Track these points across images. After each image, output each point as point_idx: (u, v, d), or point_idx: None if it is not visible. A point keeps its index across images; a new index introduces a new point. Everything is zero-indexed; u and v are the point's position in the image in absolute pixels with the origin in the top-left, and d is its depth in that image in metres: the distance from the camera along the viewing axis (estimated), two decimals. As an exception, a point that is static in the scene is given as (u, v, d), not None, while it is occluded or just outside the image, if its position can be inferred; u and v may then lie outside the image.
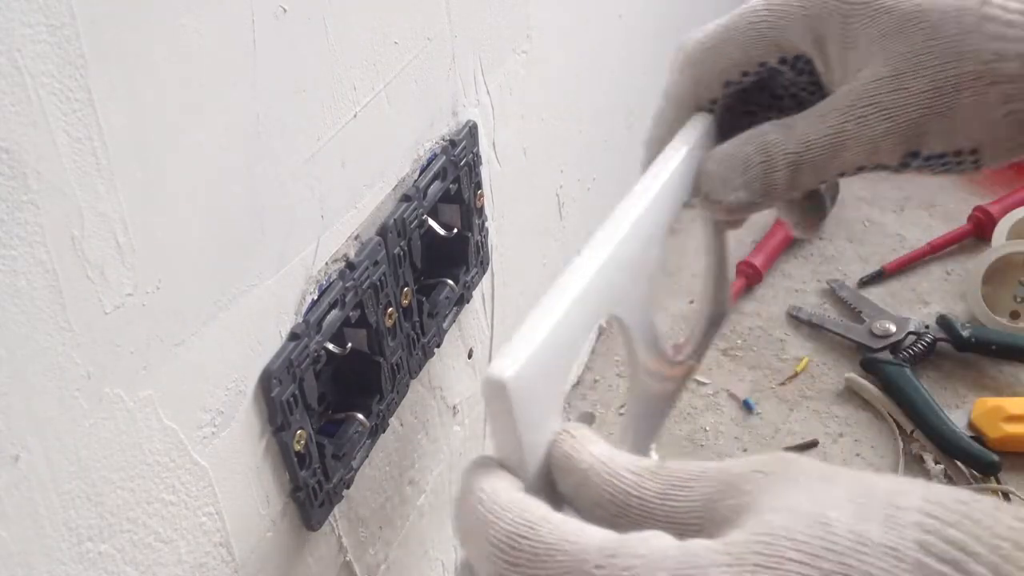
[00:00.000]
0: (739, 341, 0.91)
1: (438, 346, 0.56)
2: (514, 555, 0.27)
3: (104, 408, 0.33)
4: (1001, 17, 0.36)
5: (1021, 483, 0.75)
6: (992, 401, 0.79)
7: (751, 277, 0.96)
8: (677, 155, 0.39)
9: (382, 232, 0.48)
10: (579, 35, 0.73)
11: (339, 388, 0.50)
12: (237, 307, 0.39)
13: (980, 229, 1.00)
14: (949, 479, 0.75)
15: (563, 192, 0.76)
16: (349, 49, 0.44)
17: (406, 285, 0.51)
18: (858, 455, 0.79)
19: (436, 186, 0.53)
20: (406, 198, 0.50)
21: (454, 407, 0.63)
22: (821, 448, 0.80)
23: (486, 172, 0.60)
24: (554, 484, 0.31)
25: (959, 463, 0.76)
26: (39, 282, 0.29)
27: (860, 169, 0.38)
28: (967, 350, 0.86)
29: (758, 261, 0.96)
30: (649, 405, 0.41)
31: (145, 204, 0.33)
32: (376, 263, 0.47)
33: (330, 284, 0.45)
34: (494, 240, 0.62)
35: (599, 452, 0.30)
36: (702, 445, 0.81)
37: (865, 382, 0.84)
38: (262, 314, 0.41)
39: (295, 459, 0.43)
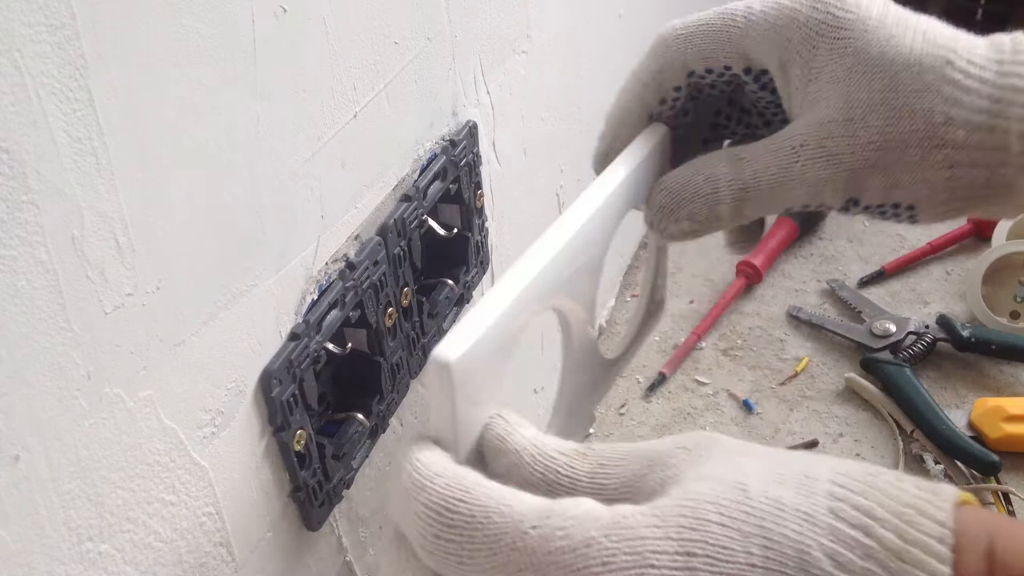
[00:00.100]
0: (739, 341, 0.91)
1: (438, 346, 0.56)
2: (449, 517, 0.28)
3: (104, 408, 0.33)
4: (960, 82, 0.36)
5: (1021, 483, 0.75)
6: (992, 401, 0.79)
7: (751, 277, 0.96)
8: (630, 163, 0.40)
9: (382, 232, 0.48)
10: (579, 35, 0.73)
11: (339, 388, 0.50)
12: (237, 307, 0.39)
13: (980, 229, 1.00)
14: (949, 479, 0.75)
15: (563, 192, 0.76)
16: (349, 49, 0.44)
17: (406, 285, 0.51)
18: (858, 455, 0.79)
19: (436, 186, 0.53)
20: (406, 198, 0.50)
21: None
22: (821, 448, 0.80)
23: (486, 172, 0.60)
24: (485, 465, 0.32)
25: (959, 463, 0.76)
26: (39, 282, 0.29)
27: (806, 206, 0.39)
28: (967, 350, 0.86)
29: (758, 261, 0.96)
30: (578, 398, 0.42)
31: (145, 204, 0.33)
32: (376, 263, 0.47)
33: (330, 284, 0.45)
34: (494, 240, 0.62)
35: (531, 435, 0.32)
36: (702, 445, 0.81)
37: (865, 382, 0.84)
38: (262, 314, 0.41)
39: (295, 459, 0.43)
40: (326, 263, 0.45)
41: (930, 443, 0.78)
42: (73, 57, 0.29)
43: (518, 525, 0.27)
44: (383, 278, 0.48)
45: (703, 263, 0.99)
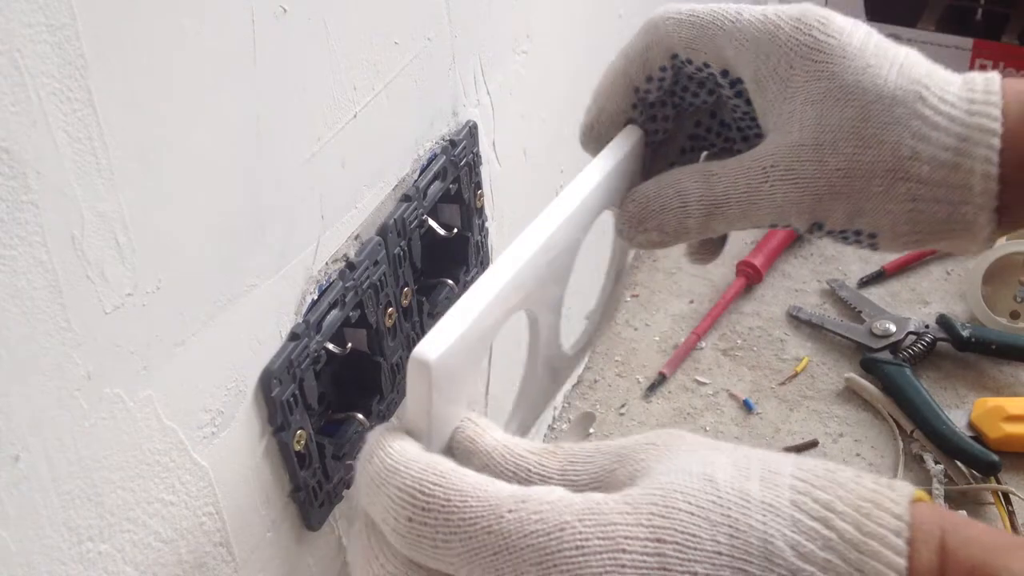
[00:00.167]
0: (739, 341, 0.91)
1: (438, 346, 0.56)
2: (425, 500, 0.29)
3: (104, 408, 0.33)
4: (929, 118, 0.36)
5: (1021, 483, 0.75)
6: (992, 401, 0.79)
7: (751, 277, 0.96)
8: (604, 167, 0.41)
9: (382, 232, 0.48)
10: (579, 35, 0.73)
11: (339, 388, 0.50)
12: (237, 307, 0.39)
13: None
14: (949, 479, 0.75)
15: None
16: (349, 49, 0.44)
17: (406, 285, 0.51)
18: (858, 455, 0.79)
19: (436, 186, 0.53)
20: (406, 198, 0.50)
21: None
22: (821, 448, 0.80)
23: (486, 172, 0.60)
24: None
25: (959, 463, 0.76)
26: (39, 282, 0.29)
27: (772, 225, 0.40)
28: (967, 350, 0.86)
29: (758, 261, 0.96)
30: (535, 396, 0.43)
31: (145, 204, 0.33)
32: (376, 263, 0.47)
33: (330, 284, 0.45)
34: (494, 240, 0.62)
35: (500, 436, 0.33)
36: (702, 445, 0.81)
37: (865, 382, 0.84)
38: (262, 314, 0.41)
39: (295, 459, 0.43)
40: (326, 263, 0.45)
41: (930, 443, 0.78)
42: (73, 57, 0.29)
43: (495, 509, 0.28)
44: (383, 278, 0.48)
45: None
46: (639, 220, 0.40)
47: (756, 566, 0.27)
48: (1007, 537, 0.28)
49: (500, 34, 0.60)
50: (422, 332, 0.54)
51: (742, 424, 0.82)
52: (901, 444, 0.79)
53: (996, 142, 0.35)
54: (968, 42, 1.13)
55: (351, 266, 0.46)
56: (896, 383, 0.82)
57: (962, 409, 0.81)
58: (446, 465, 0.30)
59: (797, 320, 0.92)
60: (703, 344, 0.90)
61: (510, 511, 0.28)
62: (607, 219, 0.42)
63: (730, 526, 0.27)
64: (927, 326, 0.88)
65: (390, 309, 0.49)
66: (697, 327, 0.91)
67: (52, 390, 0.30)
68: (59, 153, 0.29)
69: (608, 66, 0.44)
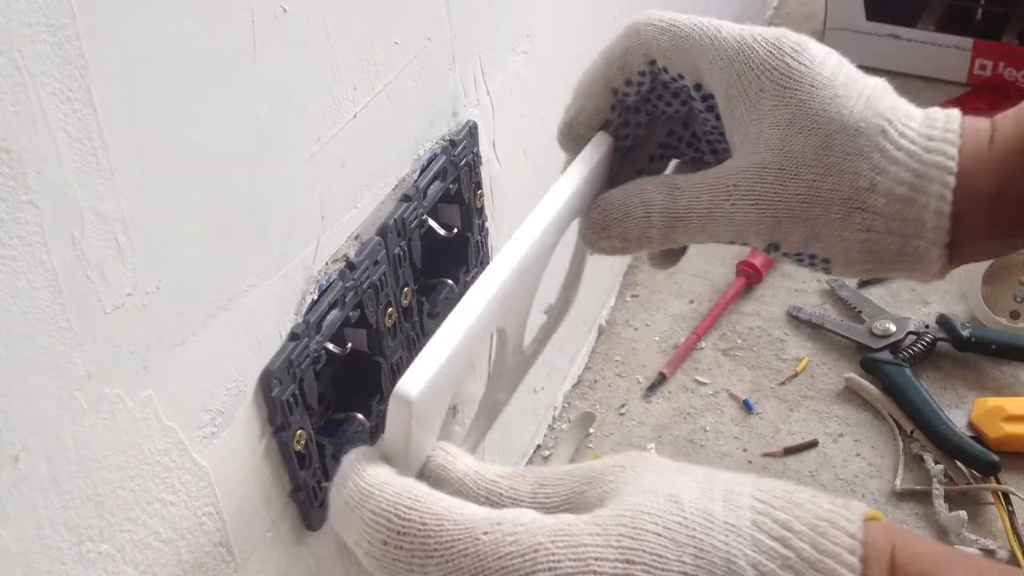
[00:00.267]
0: (739, 341, 0.91)
1: (438, 346, 0.56)
2: (400, 524, 0.29)
3: (104, 408, 0.33)
4: (889, 152, 0.37)
5: (1021, 483, 0.75)
6: (992, 401, 0.79)
7: (751, 277, 0.96)
8: (576, 179, 0.41)
9: (382, 232, 0.48)
10: (579, 35, 0.73)
11: (339, 388, 0.50)
12: (237, 307, 0.39)
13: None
14: (949, 479, 0.75)
15: (563, 192, 0.76)
16: (349, 49, 0.44)
17: (406, 285, 0.51)
18: (858, 455, 0.79)
19: (436, 186, 0.53)
20: (406, 198, 0.50)
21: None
22: (821, 448, 0.80)
23: (486, 172, 0.60)
24: None
25: (959, 463, 0.76)
26: (39, 282, 0.29)
27: (731, 242, 0.41)
28: (967, 350, 0.86)
29: (758, 261, 0.96)
30: (492, 407, 0.44)
31: (145, 204, 0.33)
32: (376, 263, 0.47)
33: (330, 284, 0.45)
34: (494, 240, 0.62)
35: (471, 463, 0.34)
36: (702, 445, 0.81)
37: (865, 382, 0.84)
38: (262, 314, 0.41)
39: (295, 459, 0.44)
40: (326, 263, 0.45)
41: (930, 443, 0.78)
42: (73, 57, 0.29)
43: (470, 532, 0.29)
44: (383, 278, 0.48)
45: (703, 263, 0.99)
46: (603, 227, 0.41)
47: None
48: (953, 552, 0.30)
49: (500, 34, 0.60)
50: (422, 332, 0.54)
51: (742, 424, 0.82)
52: (901, 444, 0.79)
53: (951, 180, 0.36)
54: (968, 42, 1.13)
55: (351, 266, 0.46)
56: (896, 383, 0.82)
57: (962, 409, 0.81)
58: (420, 489, 0.30)
59: (797, 320, 0.92)
60: (703, 344, 0.90)
61: (486, 533, 0.29)
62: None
63: (695, 547, 0.28)
64: (927, 326, 0.88)
65: (390, 309, 0.49)
66: (697, 327, 0.91)
67: (52, 390, 0.30)
68: (59, 153, 0.29)
69: (588, 66, 0.44)
